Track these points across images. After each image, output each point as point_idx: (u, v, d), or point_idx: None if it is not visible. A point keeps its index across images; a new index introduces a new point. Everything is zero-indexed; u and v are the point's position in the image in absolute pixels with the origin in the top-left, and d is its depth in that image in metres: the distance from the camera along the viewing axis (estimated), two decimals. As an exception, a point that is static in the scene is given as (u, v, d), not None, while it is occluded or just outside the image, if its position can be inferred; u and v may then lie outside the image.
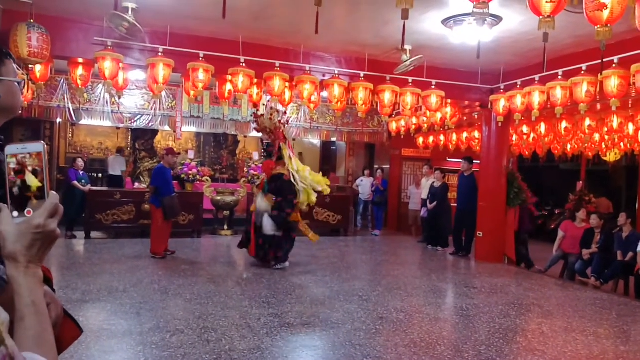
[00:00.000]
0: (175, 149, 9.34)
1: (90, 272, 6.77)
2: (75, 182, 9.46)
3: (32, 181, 0.93)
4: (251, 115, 9.20)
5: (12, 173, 0.93)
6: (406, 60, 7.01)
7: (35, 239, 0.91)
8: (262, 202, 7.60)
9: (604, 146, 11.37)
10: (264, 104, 8.29)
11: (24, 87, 6.86)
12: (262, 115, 7.98)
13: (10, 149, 0.94)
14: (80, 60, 7.12)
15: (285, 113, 8.41)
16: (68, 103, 10.18)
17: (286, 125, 8.28)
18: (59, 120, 10.86)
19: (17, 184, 0.93)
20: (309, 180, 7.93)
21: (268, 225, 7.42)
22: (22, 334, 0.85)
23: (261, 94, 8.59)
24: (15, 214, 0.91)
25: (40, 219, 0.91)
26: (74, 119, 10.46)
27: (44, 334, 0.89)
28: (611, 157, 11.97)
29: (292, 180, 7.68)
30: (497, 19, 5.94)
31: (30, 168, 0.93)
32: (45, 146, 0.96)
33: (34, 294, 0.90)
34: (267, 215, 7.46)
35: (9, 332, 0.83)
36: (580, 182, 12.87)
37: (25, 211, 0.92)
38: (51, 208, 0.93)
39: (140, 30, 6.24)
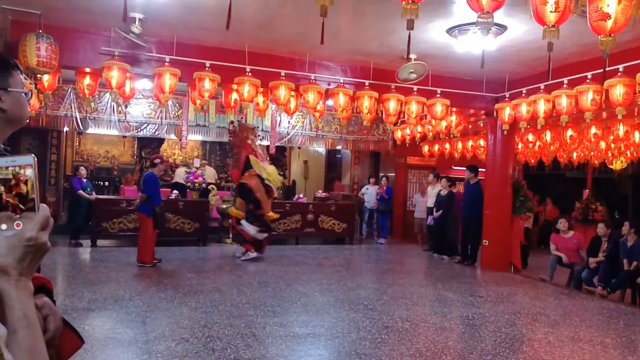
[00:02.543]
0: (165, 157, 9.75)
1: (97, 280, 6.80)
2: (81, 192, 9.51)
3: (22, 194, 0.92)
4: (230, 128, 9.90)
5: (2, 186, 0.92)
6: (410, 67, 7.04)
7: (27, 251, 0.90)
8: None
9: (609, 154, 11.33)
10: (237, 121, 9.88)
11: (31, 97, 6.92)
12: (235, 131, 9.32)
13: None
14: (88, 70, 7.20)
15: (255, 128, 9.77)
16: (75, 112, 10.26)
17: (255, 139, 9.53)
18: (66, 129, 10.94)
19: (7, 197, 0.91)
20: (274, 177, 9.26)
21: (250, 230, 8.75)
22: (15, 347, 0.84)
23: (267, 103, 8.65)
24: (4, 226, 0.90)
25: (32, 232, 0.91)
26: (81, 127, 10.54)
27: (36, 345, 0.89)
28: (617, 165, 11.93)
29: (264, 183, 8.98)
30: (502, 28, 5.96)
31: (21, 181, 0.92)
32: (35, 159, 0.94)
33: (26, 306, 0.89)
34: (244, 222, 8.85)
35: None
36: (587, 190, 12.82)
37: (15, 224, 0.91)
38: (42, 220, 0.92)
39: (143, 46, 6.35)
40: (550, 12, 3.71)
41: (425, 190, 11.93)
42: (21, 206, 0.92)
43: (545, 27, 3.79)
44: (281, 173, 11.35)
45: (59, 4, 5.94)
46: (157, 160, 8.21)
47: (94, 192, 9.94)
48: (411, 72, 7.17)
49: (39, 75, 6.36)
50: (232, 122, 9.77)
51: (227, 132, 11.57)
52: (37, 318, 1.03)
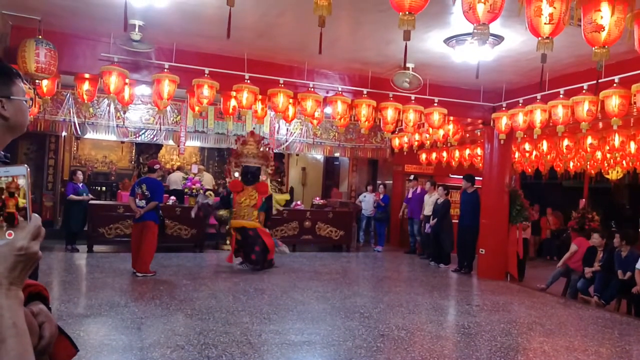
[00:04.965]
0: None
1: (92, 286, 6.79)
2: (72, 196, 9.49)
3: (14, 203, 0.93)
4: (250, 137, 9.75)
5: None
6: (407, 75, 7.10)
7: (18, 261, 0.91)
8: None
9: (606, 164, 11.39)
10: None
11: (32, 104, 6.94)
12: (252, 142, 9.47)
13: None
14: (87, 75, 7.22)
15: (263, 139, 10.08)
16: (74, 117, 10.28)
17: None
18: (64, 133, 10.94)
19: None
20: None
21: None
22: (3, 356, 0.85)
23: (265, 110, 8.68)
24: None
25: (23, 242, 0.92)
26: (79, 132, 10.55)
27: (25, 355, 0.89)
28: (613, 175, 11.98)
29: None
30: (499, 38, 6.01)
31: (12, 191, 0.93)
32: (28, 169, 0.96)
33: (15, 315, 0.90)
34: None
35: None
36: (583, 199, 12.86)
37: (7, 233, 0.92)
38: (34, 230, 0.93)
39: (146, 51, 6.41)
40: (545, 24, 3.75)
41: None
42: (15, 215, 0.93)
43: (539, 38, 3.82)
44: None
45: (59, 10, 5.97)
46: (157, 166, 8.17)
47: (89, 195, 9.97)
48: (405, 81, 7.22)
49: (37, 81, 6.38)
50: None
51: (227, 138, 11.65)
52: (33, 325, 1.04)
